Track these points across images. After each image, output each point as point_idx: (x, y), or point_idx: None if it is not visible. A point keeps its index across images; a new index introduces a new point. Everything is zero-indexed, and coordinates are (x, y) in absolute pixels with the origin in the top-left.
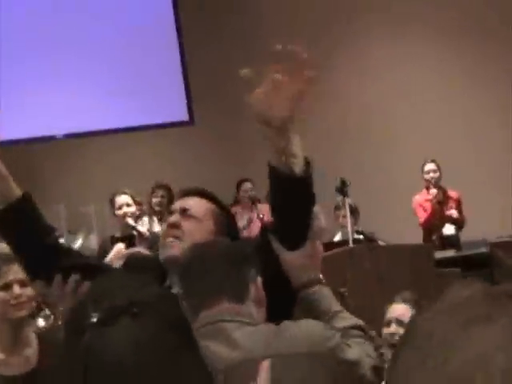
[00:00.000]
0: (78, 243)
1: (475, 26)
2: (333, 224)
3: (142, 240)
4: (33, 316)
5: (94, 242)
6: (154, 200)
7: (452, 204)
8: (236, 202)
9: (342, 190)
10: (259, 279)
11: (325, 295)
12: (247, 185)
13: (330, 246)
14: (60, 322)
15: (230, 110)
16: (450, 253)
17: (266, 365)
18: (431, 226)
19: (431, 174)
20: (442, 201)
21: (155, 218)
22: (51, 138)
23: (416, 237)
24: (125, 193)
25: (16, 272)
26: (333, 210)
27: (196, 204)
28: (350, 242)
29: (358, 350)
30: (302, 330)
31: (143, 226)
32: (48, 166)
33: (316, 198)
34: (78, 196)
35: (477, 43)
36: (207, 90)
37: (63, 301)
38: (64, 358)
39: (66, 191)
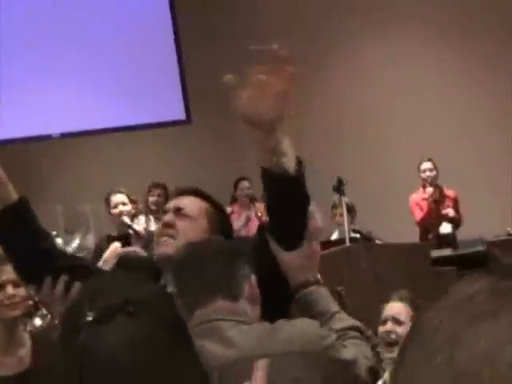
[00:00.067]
0: (75, 243)
1: (474, 25)
2: (330, 223)
3: (137, 239)
4: (30, 315)
5: (91, 242)
6: (151, 199)
7: (449, 203)
8: (234, 200)
9: (339, 188)
10: (253, 277)
11: (322, 296)
12: (244, 183)
13: (326, 244)
14: (57, 321)
15: (227, 109)
16: (447, 251)
17: (261, 364)
18: (427, 224)
19: (427, 173)
20: (438, 199)
21: (152, 217)
22: (48, 137)
23: (413, 236)
24: (120, 192)
25: (9, 272)
26: (330, 208)
27: (190, 203)
28: (347, 240)
29: (353, 351)
30: (296, 328)
31: (139, 225)
32: (44, 166)
33: (313, 197)
34: (74, 195)
35: (475, 43)
36: (204, 88)
37: (53, 303)
38: (60, 357)
39: (63, 190)
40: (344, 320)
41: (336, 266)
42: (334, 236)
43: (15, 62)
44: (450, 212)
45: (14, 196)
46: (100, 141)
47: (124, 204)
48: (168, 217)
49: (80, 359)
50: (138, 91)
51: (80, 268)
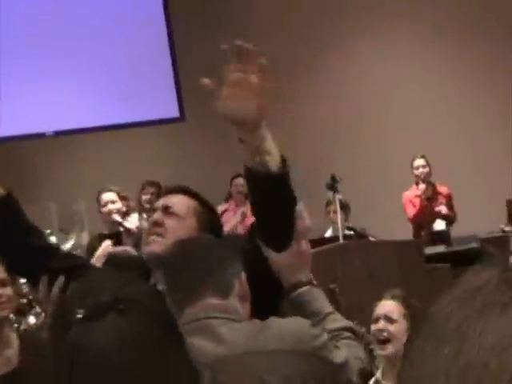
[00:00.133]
0: (70, 243)
1: (472, 24)
2: (323, 220)
3: (128, 236)
4: (24, 313)
5: (85, 240)
6: (144, 197)
7: (442, 200)
8: (229, 197)
9: (333, 186)
10: (243, 274)
11: (315, 296)
12: (239, 180)
13: (320, 241)
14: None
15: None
16: (441, 248)
17: None
18: (420, 221)
19: (420, 170)
20: (431, 196)
21: (145, 215)
22: (41, 136)
23: (406, 233)
24: (110, 190)
25: None
26: (324, 206)
27: (179, 201)
28: (341, 237)
29: (345, 352)
30: (288, 326)
31: (131, 222)
32: (38, 163)
33: (301, 197)
34: (68, 193)
35: (472, 42)
36: (198, 86)
37: (49, 303)
38: (49, 355)
39: (57, 189)
40: (337, 321)
41: (329, 264)
42: (328, 233)
43: (8, 60)
44: (443, 209)
45: (1, 191)
46: (94, 139)
47: (113, 202)
48: (156, 215)
49: (70, 357)
50: (132, 89)
51: (77, 268)
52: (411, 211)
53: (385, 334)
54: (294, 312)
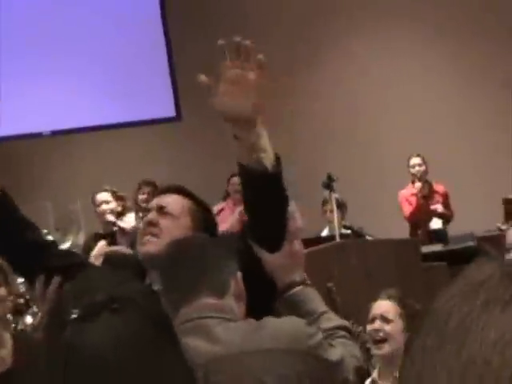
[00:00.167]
0: (68, 243)
1: (470, 24)
2: (320, 219)
3: (122, 235)
4: (21, 313)
5: (82, 239)
6: (140, 197)
7: (438, 198)
8: (227, 196)
9: (329, 185)
10: (239, 274)
11: (310, 296)
12: (235, 179)
13: (317, 241)
14: None
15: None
16: (437, 247)
17: None
18: (417, 220)
19: (417, 168)
20: (427, 195)
21: (141, 215)
22: (38, 135)
23: (403, 232)
24: (105, 190)
25: None
26: (320, 205)
27: (173, 201)
28: (337, 236)
29: (341, 350)
30: (283, 326)
31: (125, 222)
32: (35, 163)
33: (292, 196)
34: (65, 193)
35: (472, 42)
36: (194, 85)
37: (45, 303)
38: (43, 355)
39: (53, 188)
40: (332, 320)
41: (326, 262)
42: (325, 232)
43: (5, 60)
44: (439, 207)
45: None
46: (91, 138)
47: (107, 202)
48: (151, 215)
49: (64, 357)
50: (128, 88)
51: (75, 267)
52: (407, 210)
53: (381, 334)
54: (289, 312)
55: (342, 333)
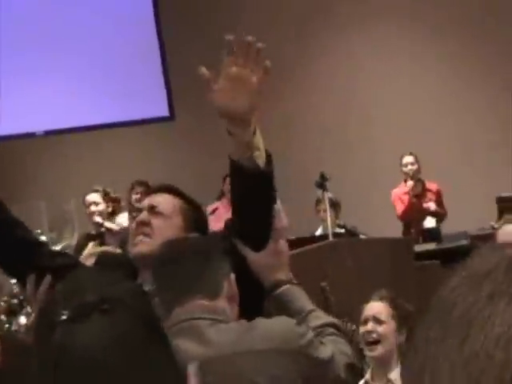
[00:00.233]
0: (63, 244)
1: (470, 24)
2: (314, 218)
3: (111, 236)
4: (15, 313)
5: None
6: (134, 197)
7: (431, 196)
8: (222, 195)
9: (322, 184)
10: (232, 275)
11: (296, 295)
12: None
13: (311, 240)
14: None
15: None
16: (431, 246)
17: (192, 369)
18: (409, 218)
19: (409, 167)
20: (419, 193)
21: (134, 215)
22: (31, 135)
23: (396, 230)
24: (96, 190)
25: None
26: (314, 204)
27: (164, 201)
28: (330, 235)
29: (331, 348)
30: (274, 326)
31: (116, 223)
32: (28, 163)
33: (297, 195)
34: (58, 192)
35: (471, 42)
36: (188, 85)
37: (35, 303)
38: (33, 356)
39: (47, 188)
40: (320, 317)
41: (320, 262)
42: (319, 231)
43: None
44: (432, 206)
45: None
46: (84, 138)
47: (96, 204)
48: (142, 215)
49: (54, 358)
50: (122, 88)
51: (66, 267)
52: (400, 208)
53: (374, 335)
54: (277, 311)
55: (331, 330)
